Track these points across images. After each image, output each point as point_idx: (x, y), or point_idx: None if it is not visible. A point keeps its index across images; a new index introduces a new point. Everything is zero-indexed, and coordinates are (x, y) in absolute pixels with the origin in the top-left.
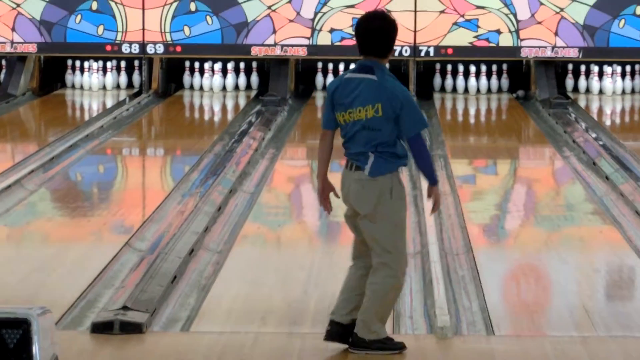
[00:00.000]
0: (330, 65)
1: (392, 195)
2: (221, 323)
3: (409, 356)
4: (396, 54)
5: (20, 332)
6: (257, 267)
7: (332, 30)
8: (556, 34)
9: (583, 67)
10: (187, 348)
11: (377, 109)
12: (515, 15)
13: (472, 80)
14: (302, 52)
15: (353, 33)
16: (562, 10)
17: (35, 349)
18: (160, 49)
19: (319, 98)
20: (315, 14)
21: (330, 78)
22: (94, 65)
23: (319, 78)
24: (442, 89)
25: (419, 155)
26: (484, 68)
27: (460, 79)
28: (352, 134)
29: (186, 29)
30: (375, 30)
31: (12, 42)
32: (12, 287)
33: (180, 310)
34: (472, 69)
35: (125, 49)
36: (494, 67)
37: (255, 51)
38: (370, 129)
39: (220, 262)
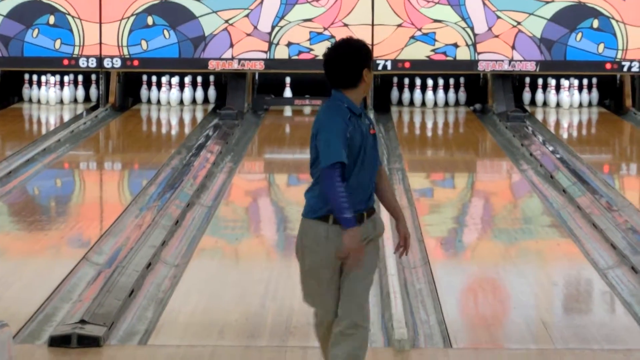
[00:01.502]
0: (288, 79)
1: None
2: (179, 336)
3: None
4: None
5: None
6: (214, 280)
7: (289, 44)
8: (513, 47)
9: (540, 81)
10: None
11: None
12: (472, 28)
13: (430, 93)
14: (259, 66)
15: (310, 47)
16: (519, 23)
17: None
18: (118, 63)
19: (276, 111)
20: (273, 27)
21: (287, 91)
22: (51, 79)
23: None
24: (400, 103)
25: (326, 193)
26: (441, 81)
27: (417, 93)
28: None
29: (143, 43)
30: (332, 60)
31: None
32: None
33: (137, 324)
34: (430, 82)
35: (82, 63)
36: (451, 81)
37: (213, 65)
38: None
39: (177, 276)
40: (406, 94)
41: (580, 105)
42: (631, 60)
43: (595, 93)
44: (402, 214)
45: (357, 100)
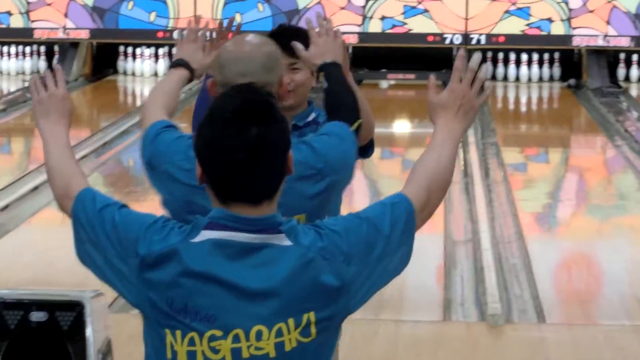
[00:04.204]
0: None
1: None
2: None
3: (460, 343)
4: (447, 42)
5: (73, 315)
6: None
7: (383, 18)
8: (608, 22)
9: (635, 57)
10: None
11: None
12: (567, 3)
13: (524, 68)
14: (353, 40)
15: (404, 21)
16: None
17: (89, 331)
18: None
19: (370, 85)
20: (367, 1)
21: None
22: (146, 51)
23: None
24: (493, 77)
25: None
26: (535, 56)
27: (511, 67)
28: None
29: (238, 16)
30: None
31: (65, 29)
32: (65, 271)
33: None
34: (524, 57)
35: (177, 35)
36: (546, 56)
37: None
38: None
39: None
40: (500, 69)
41: None
42: None
43: None
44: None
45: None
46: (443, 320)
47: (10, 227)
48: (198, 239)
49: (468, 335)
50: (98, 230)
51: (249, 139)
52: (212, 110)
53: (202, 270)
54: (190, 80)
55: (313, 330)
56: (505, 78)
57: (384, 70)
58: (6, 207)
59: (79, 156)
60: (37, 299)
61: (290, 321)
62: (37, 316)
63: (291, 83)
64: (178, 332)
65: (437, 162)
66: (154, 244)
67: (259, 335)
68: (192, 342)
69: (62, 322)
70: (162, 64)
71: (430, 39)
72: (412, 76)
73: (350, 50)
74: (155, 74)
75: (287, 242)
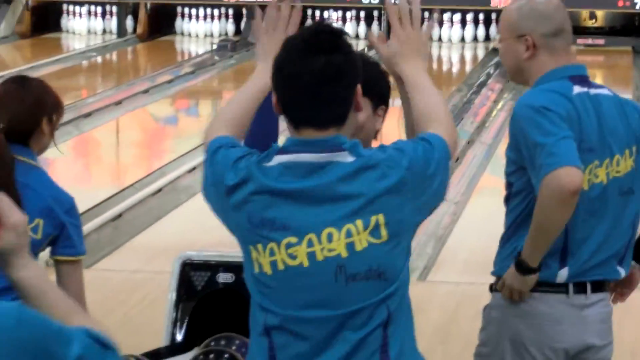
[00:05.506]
0: None
1: None
2: (458, 273)
3: None
4: (637, 7)
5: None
6: (493, 219)
7: None
8: None
9: None
10: (423, 297)
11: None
12: None
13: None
14: None
15: None
16: None
17: None
18: None
19: None
20: None
21: None
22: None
23: None
24: None
25: None
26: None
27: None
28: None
29: None
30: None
31: None
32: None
33: (417, 260)
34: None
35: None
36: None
37: (495, 2)
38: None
39: (457, 213)
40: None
41: None
42: None
43: None
44: None
45: None
46: None
47: (197, 190)
48: (271, 163)
49: None
50: (210, 170)
51: (313, 64)
52: (287, 40)
53: (274, 186)
54: None
55: (383, 232)
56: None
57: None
58: (193, 169)
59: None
60: (224, 261)
61: (358, 222)
62: (224, 277)
63: None
64: (259, 246)
65: (434, 103)
66: (238, 171)
67: (329, 237)
68: (272, 253)
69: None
70: (217, 25)
71: (620, 4)
72: (601, 41)
73: None
74: (211, 34)
75: (350, 158)
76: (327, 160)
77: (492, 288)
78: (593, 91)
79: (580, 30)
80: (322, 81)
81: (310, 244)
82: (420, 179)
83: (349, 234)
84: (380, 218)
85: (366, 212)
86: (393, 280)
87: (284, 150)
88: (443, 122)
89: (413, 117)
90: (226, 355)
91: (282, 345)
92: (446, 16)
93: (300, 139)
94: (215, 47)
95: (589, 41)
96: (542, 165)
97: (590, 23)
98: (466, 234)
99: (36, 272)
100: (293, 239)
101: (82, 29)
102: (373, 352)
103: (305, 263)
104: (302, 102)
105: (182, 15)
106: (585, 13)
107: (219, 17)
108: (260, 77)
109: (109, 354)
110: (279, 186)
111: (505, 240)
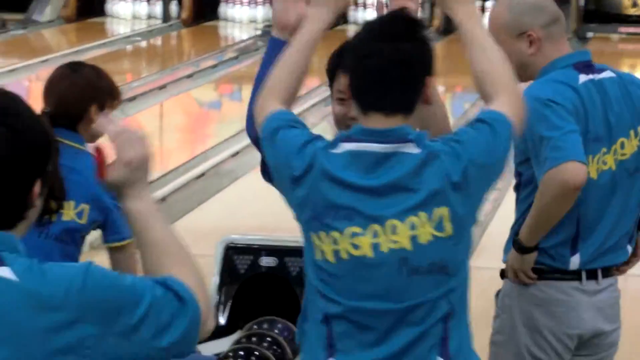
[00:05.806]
0: None
1: None
2: (500, 259)
3: None
4: None
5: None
6: None
7: None
8: None
9: None
10: None
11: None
12: None
13: None
14: None
15: None
16: None
17: None
18: None
19: (601, 39)
20: None
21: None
22: None
23: None
24: None
25: None
26: None
27: None
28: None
29: None
30: None
31: None
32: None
33: None
34: None
35: None
36: None
37: None
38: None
39: (498, 200)
40: None
41: None
42: None
43: None
44: None
45: None
46: None
47: (239, 174)
48: (337, 150)
49: None
50: (272, 153)
51: (384, 48)
52: (365, 23)
53: (340, 175)
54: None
55: (447, 226)
56: None
57: (615, 23)
58: (236, 153)
59: (308, 105)
60: (267, 245)
61: (422, 215)
62: (266, 261)
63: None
64: (322, 234)
65: (496, 65)
66: (304, 158)
67: (393, 229)
68: (335, 242)
69: (292, 267)
70: (261, 11)
71: None
72: None
73: (582, 2)
74: (255, 20)
75: (416, 150)
76: (392, 151)
77: (503, 275)
78: (598, 77)
79: (622, 18)
80: (389, 66)
81: (375, 234)
82: (484, 171)
83: (412, 227)
84: (444, 211)
85: (430, 205)
86: (455, 275)
87: (350, 138)
88: (507, 88)
89: (473, 75)
90: (269, 339)
91: (341, 334)
92: None
93: (367, 128)
94: (259, 32)
95: (631, 29)
96: (547, 158)
97: (632, 11)
98: (508, 220)
99: (147, 206)
100: (357, 229)
101: (127, 13)
102: (432, 345)
103: (370, 254)
104: (369, 85)
105: (227, 1)
106: (627, 1)
107: (263, 2)
108: (313, 22)
109: (184, 308)
110: (344, 175)
111: (515, 230)
